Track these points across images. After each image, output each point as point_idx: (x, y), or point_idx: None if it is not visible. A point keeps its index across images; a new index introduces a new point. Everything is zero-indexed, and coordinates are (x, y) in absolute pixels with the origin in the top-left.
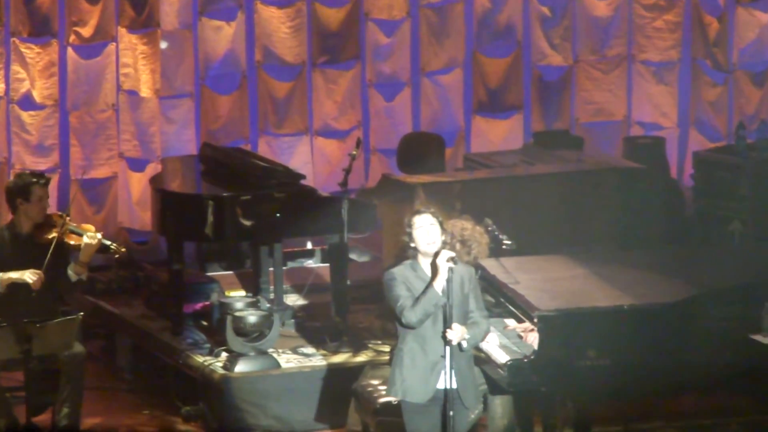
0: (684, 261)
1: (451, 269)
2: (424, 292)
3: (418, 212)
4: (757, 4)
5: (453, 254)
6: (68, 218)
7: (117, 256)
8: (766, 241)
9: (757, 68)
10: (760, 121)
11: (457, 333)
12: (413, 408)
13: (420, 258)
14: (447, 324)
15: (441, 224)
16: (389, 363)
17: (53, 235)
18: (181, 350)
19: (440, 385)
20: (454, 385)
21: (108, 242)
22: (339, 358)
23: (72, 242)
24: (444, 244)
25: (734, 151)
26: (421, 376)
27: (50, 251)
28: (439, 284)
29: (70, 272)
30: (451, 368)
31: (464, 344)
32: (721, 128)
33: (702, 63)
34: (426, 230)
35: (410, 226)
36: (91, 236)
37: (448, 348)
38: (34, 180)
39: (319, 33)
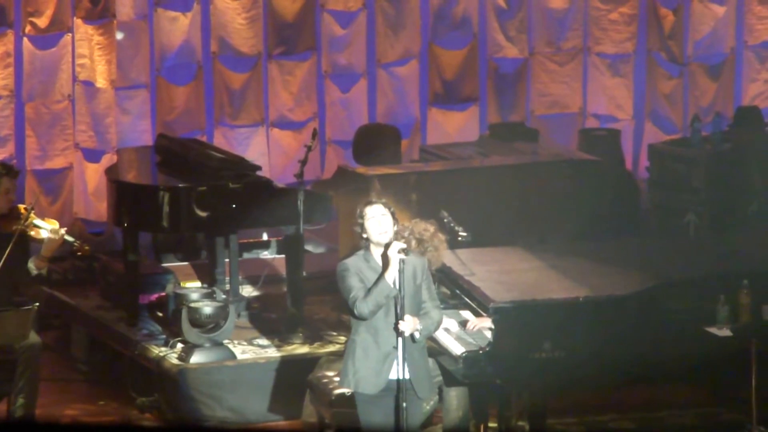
0: (639, 253)
1: (402, 261)
2: (375, 283)
3: (370, 203)
4: None
5: (404, 246)
6: (33, 212)
7: (80, 253)
8: (721, 234)
9: (712, 61)
10: (714, 114)
11: (409, 324)
12: (366, 399)
13: (372, 249)
14: (399, 315)
15: (393, 215)
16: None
17: (16, 227)
18: (137, 341)
19: (393, 376)
20: (408, 376)
21: (71, 239)
22: (294, 350)
23: (35, 236)
24: (396, 235)
25: (689, 144)
26: (374, 368)
27: (11, 243)
28: (391, 276)
29: (30, 266)
30: (404, 359)
31: (417, 335)
32: (676, 121)
33: (657, 55)
34: (377, 221)
35: (362, 216)
36: (54, 231)
37: (400, 339)
38: (4, 172)
39: (275, 24)
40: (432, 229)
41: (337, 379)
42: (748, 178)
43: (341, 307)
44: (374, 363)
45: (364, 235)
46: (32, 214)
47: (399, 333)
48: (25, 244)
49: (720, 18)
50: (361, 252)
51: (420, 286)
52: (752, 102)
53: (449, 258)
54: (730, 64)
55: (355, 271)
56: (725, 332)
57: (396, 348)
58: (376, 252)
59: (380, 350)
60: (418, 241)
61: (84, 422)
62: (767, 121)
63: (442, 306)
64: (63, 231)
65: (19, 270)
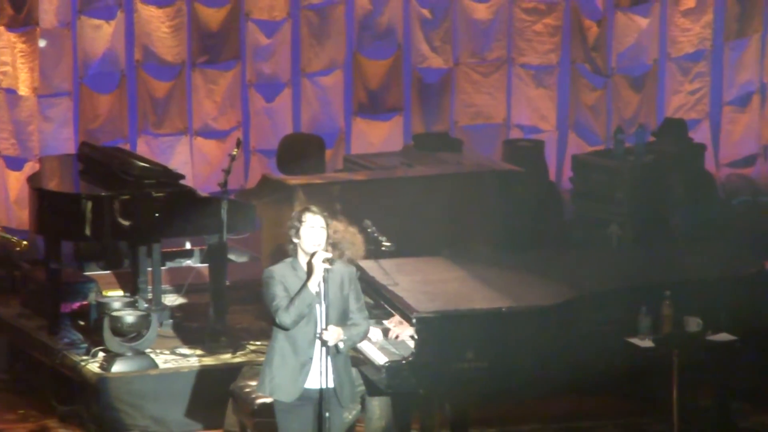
0: (562, 264)
1: (327, 270)
2: (298, 293)
3: (312, 210)
4: (636, 8)
5: (329, 255)
6: None
7: (18, 249)
8: (644, 245)
9: (636, 72)
10: (638, 125)
11: (333, 334)
12: (283, 407)
13: (300, 256)
14: (323, 325)
15: (327, 229)
16: None
17: None
18: (58, 350)
19: (312, 385)
20: (331, 385)
21: (8, 236)
22: (217, 359)
23: None
24: (327, 248)
25: (612, 155)
26: (290, 376)
27: None
28: (314, 285)
29: None
30: (327, 368)
31: (341, 345)
32: (599, 132)
33: (581, 67)
34: (316, 231)
35: (300, 221)
36: None
37: (323, 348)
38: None
39: (199, 33)
40: (341, 227)
41: None
42: (671, 189)
43: (264, 316)
44: (291, 371)
45: (295, 240)
46: None
47: (322, 343)
48: None
49: (643, 30)
50: (288, 260)
51: (347, 296)
52: (675, 114)
53: (372, 267)
54: (653, 76)
55: (280, 279)
56: (647, 343)
57: (312, 358)
58: (304, 260)
59: (298, 359)
60: (332, 247)
61: None
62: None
63: (367, 313)
64: None
65: None
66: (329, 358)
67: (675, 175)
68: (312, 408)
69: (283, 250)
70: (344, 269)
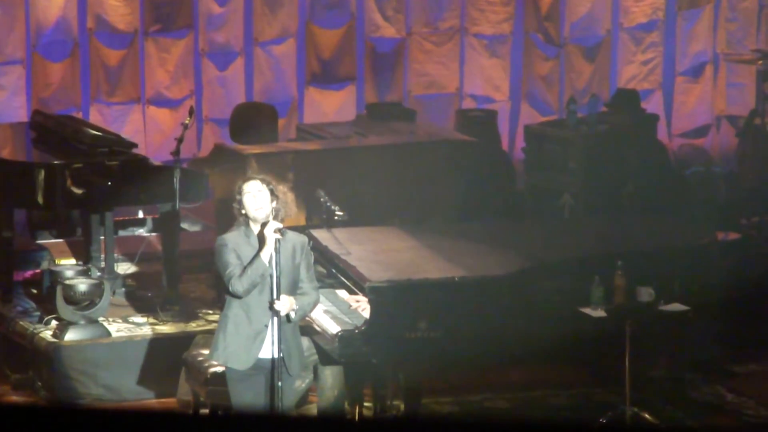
0: (515, 234)
1: (278, 240)
2: (251, 262)
3: (248, 178)
4: None
5: (280, 225)
6: None
7: None
8: (596, 215)
9: (589, 42)
10: (590, 96)
11: (285, 304)
12: (236, 376)
13: (252, 225)
14: (275, 295)
15: (272, 191)
16: None
17: None
18: (11, 318)
19: (263, 355)
20: (280, 354)
21: None
22: (169, 328)
23: None
24: (277, 213)
25: (565, 125)
26: (244, 344)
27: None
28: (266, 255)
29: None
30: (277, 338)
31: (292, 315)
32: (552, 102)
33: (534, 37)
34: (254, 196)
35: (240, 192)
36: None
37: (274, 318)
38: None
39: (152, 1)
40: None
41: None
42: (623, 159)
43: (217, 284)
44: (245, 340)
45: (243, 211)
46: None
47: (274, 312)
48: None
49: (596, 0)
50: (242, 227)
51: (299, 265)
52: (628, 84)
53: (325, 237)
54: (606, 46)
55: (233, 246)
56: (599, 313)
57: (267, 327)
58: (256, 229)
59: (252, 327)
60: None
61: None
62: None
63: (318, 285)
64: None
65: None
66: (279, 327)
67: (628, 145)
68: (264, 377)
69: (235, 219)
70: (296, 239)
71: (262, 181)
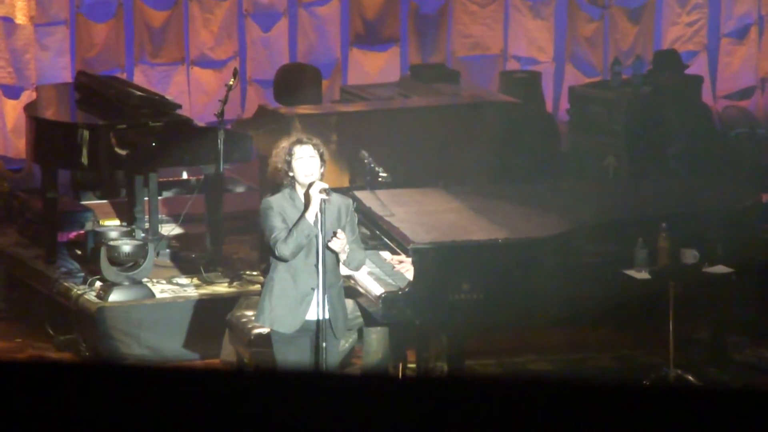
0: (559, 196)
1: (324, 201)
2: (296, 224)
3: (300, 142)
4: None
5: (326, 186)
6: None
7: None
8: (641, 177)
9: (633, 4)
10: (635, 57)
11: (340, 240)
12: (281, 338)
13: (298, 187)
14: (320, 257)
15: (322, 156)
16: None
17: None
18: (55, 279)
19: (310, 317)
20: (326, 316)
21: None
22: (213, 289)
23: None
24: (322, 176)
25: (609, 87)
26: (290, 307)
27: None
28: (311, 216)
29: None
30: (324, 299)
31: (343, 256)
32: (596, 63)
33: None
34: (305, 162)
35: (290, 155)
36: None
37: (321, 279)
38: None
39: None
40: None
41: None
42: (667, 121)
43: (261, 247)
44: (291, 302)
45: (290, 174)
46: None
47: (328, 247)
48: None
49: None
50: (286, 190)
51: (344, 227)
52: (671, 45)
53: (369, 198)
54: (650, 8)
55: (279, 210)
56: (643, 275)
57: (313, 290)
58: (301, 191)
59: (298, 290)
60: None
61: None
62: (686, 64)
63: (363, 245)
64: None
65: None
66: (325, 289)
67: (672, 107)
68: (309, 338)
69: (280, 180)
70: (341, 201)
71: (315, 146)
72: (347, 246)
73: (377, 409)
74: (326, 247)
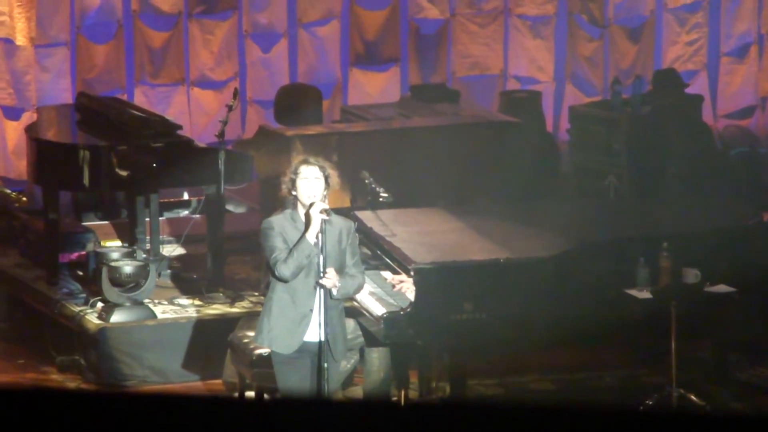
0: (560, 215)
1: (324, 221)
2: (296, 244)
3: (307, 162)
4: None
5: (326, 206)
6: None
7: (17, 204)
8: (641, 197)
9: (633, 23)
10: (635, 77)
11: (331, 277)
12: (281, 359)
13: (299, 208)
14: (320, 273)
15: (327, 179)
16: None
17: None
18: (57, 300)
19: (308, 338)
20: (325, 338)
21: (7, 190)
22: (215, 310)
23: None
24: (325, 198)
25: (609, 106)
26: (289, 327)
27: None
28: (312, 236)
29: None
30: (323, 320)
31: (334, 291)
32: (596, 83)
33: (578, 17)
34: (310, 183)
35: (295, 173)
36: None
37: (321, 300)
38: None
39: None
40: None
41: None
42: (668, 140)
43: (260, 266)
44: (290, 323)
45: (293, 193)
46: None
47: (319, 285)
48: None
49: None
50: (288, 210)
51: (345, 249)
52: (672, 65)
53: (370, 218)
54: (650, 27)
55: (279, 230)
56: (645, 294)
57: (312, 310)
58: (302, 211)
59: (297, 311)
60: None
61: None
62: (687, 83)
63: (364, 269)
64: None
65: None
66: (325, 311)
67: (672, 126)
68: (309, 360)
69: (281, 201)
70: (343, 223)
71: (321, 168)
72: (338, 281)
73: None
74: (317, 283)
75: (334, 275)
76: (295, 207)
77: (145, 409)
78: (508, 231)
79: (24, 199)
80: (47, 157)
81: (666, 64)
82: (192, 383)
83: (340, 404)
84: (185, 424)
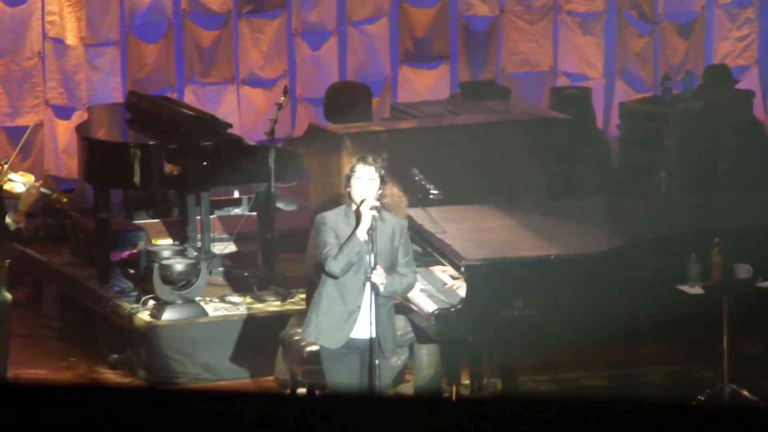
0: (610, 211)
1: (374, 218)
2: (347, 240)
3: (365, 161)
4: None
5: (377, 203)
6: (7, 166)
7: (58, 205)
8: (693, 192)
9: (683, 19)
10: (685, 72)
11: (380, 274)
12: (329, 355)
13: (353, 205)
14: (371, 269)
15: (383, 179)
16: None
17: None
18: (108, 298)
19: (355, 335)
20: (374, 334)
21: (48, 191)
22: (266, 307)
23: (10, 190)
24: (379, 196)
25: (660, 102)
26: (336, 323)
27: None
28: (362, 233)
29: (8, 221)
30: (373, 317)
31: (381, 288)
32: (647, 79)
33: (628, 14)
34: (363, 183)
35: (352, 170)
36: (30, 184)
37: (371, 297)
38: None
39: None
40: (387, 192)
41: None
42: (719, 136)
43: (306, 262)
44: (337, 318)
45: (348, 189)
46: (6, 169)
47: (367, 279)
48: (0, 200)
49: None
50: (342, 206)
51: (397, 248)
52: (722, 60)
53: (420, 215)
54: (700, 23)
55: (332, 225)
56: (697, 290)
57: (359, 307)
58: (355, 208)
59: (345, 307)
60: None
61: (54, 382)
62: (737, 79)
63: (415, 268)
64: (39, 184)
65: None
66: (375, 308)
67: (723, 122)
68: (358, 357)
69: (332, 198)
70: (396, 221)
71: (377, 170)
72: (385, 278)
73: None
74: (367, 280)
75: (382, 273)
76: (349, 203)
77: (197, 406)
78: (558, 227)
79: (65, 200)
80: (98, 156)
81: (716, 60)
82: (243, 380)
83: (391, 400)
84: (236, 421)
